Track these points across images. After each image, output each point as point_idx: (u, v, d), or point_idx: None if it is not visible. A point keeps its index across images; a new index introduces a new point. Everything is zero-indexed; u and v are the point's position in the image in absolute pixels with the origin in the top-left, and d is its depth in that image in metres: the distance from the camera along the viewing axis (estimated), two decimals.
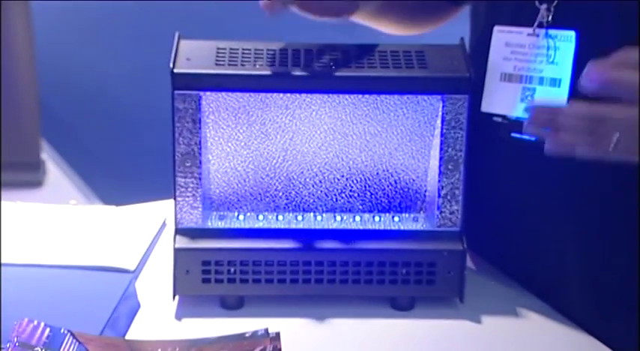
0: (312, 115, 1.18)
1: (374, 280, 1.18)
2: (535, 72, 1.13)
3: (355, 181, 1.20)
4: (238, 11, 1.22)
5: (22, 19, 1.68)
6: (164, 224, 1.38)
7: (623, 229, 1.14)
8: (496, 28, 1.16)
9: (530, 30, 1.13)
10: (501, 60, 1.15)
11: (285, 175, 1.20)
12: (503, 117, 1.15)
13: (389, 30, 1.37)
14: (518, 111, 1.14)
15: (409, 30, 1.39)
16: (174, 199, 1.17)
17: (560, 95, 1.11)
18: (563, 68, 1.12)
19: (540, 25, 1.12)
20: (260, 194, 1.21)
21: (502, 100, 1.15)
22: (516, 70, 1.15)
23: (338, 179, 1.20)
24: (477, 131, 1.15)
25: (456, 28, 1.37)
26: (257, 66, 1.15)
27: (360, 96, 1.17)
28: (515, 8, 1.16)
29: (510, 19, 1.16)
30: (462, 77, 1.14)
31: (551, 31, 1.12)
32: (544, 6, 1.12)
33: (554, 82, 1.12)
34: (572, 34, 1.11)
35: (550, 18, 1.12)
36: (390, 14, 1.34)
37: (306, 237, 1.18)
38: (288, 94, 1.16)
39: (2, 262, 1.23)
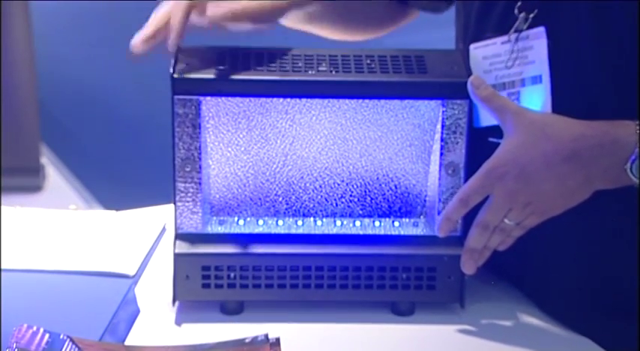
0: (312, 120, 1.18)
1: (374, 285, 1.18)
2: (516, 76, 1.15)
3: (355, 186, 1.20)
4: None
5: (22, 20, 1.67)
6: (164, 229, 1.38)
7: (621, 233, 1.14)
8: (471, 46, 1.18)
9: (503, 38, 1.16)
10: (483, 73, 1.17)
11: (285, 180, 1.20)
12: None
13: (331, 35, 1.36)
14: None
15: (353, 35, 1.38)
16: (174, 204, 1.17)
17: (543, 90, 1.13)
18: (541, 64, 1.13)
19: (516, 32, 1.14)
20: (260, 199, 1.20)
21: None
22: (498, 79, 1.16)
23: (338, 184, 1.20)
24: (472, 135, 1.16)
25: (444, 33, 1.37)
26: (257, 71, 1.15)
27: (360, 101, 1.17)
28: (500, 18, 1.17)
29: (495, 28, 1.17)
30: (462, 82, 1.14)
31: (523, 34, 1.14)
32: (522, 15, 1.14)
33: (536, 80, 1.14)
34: (541, 29, 1.13)
35: (527, 26, 1.14)
36: (327, 19, 1.32)
37: (307, 242, 1.18)
38: (288, 99, 1.16)
39: (2, 267, 1.23)
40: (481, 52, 1.17)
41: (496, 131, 1.12)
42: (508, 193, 1.09)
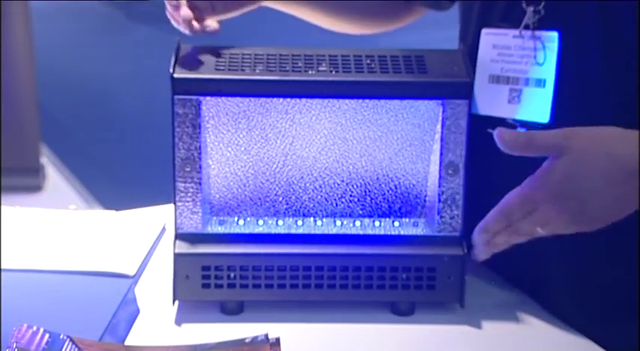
0: (311, 120, 1.18)
1: (374, 285, 1.18)
2: (521, 73, 1.15)
3: (355, 186, 1.20)
4: (238, 16, 1.23)
5: (22, 20, 1.67)
6: (164, 229, 1.38)
7: (622, 232, 1.14)
8: (484, 31, 1.17)
9: (516, 32, 1.15)
10: (489, 62, 1.17)
11: (285, 180, 1.20)
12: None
13: (324, 24, 1.36)
14: (505, 112, 1.16)
15: (361, 29, 1.38)
16: (174, 204, 1.17)
17: (545, 96, 1.13)
18: (548, 69, 1.13)
19: (527, 27, 1.14)
20: (260, 199, 1.20)
21: (490, 102, 1.15)
22: (503, 71, 1.16)
23: (338, 184, 1.20)
24: (473, 135, 1.16)
25: (445, 33, 1.37)
26: (257, 71, 1.15)
27: (360, 101, 1.17)
28: (505, 10, 1.17)
29: (500, 21, 1.17)
30: (462, 82, 1.14)
31: (536, 33, 1.13)
32: (531, 8, 1.13)
33: (540, 83, 1.14)
34: (555, 34, 1.13)
35: (536, 19, 1.13)
36: (318, 6, 1.33)
37: (306, 242, 1.18)
38: (288, 99, 1.16)
39: (2, 267, 1.23)
40: (492, 39, 1.16)
41: (496, 123, 1.12)
42: (556, 212, 1.01)
